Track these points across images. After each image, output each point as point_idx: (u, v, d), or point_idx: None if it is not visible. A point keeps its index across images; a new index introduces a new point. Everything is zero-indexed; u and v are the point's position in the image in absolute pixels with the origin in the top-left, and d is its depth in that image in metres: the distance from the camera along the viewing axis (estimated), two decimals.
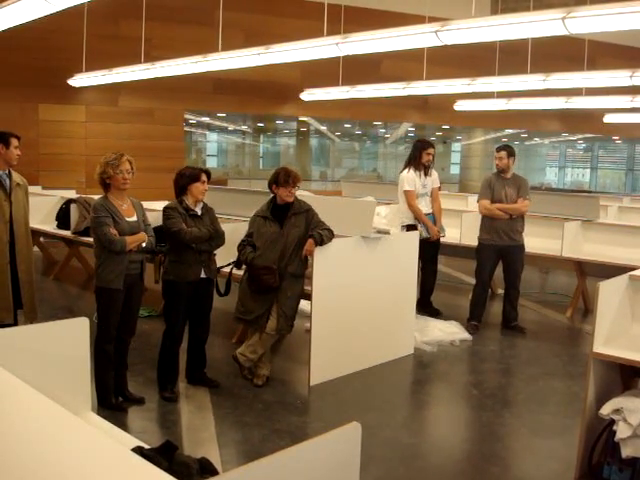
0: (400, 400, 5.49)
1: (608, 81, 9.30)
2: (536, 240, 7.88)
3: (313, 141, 20.09)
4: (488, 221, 7.09)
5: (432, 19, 6.83)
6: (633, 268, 4.57)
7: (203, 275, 5.09)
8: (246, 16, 12.69)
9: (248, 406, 4.95)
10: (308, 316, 5.62)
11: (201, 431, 4.52)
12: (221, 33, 8.19)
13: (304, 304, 5.79)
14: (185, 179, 5.08)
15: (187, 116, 14.86)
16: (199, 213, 5.11)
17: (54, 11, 5.95)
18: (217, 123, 18.25)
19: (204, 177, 5.09)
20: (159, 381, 5.13)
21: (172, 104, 13.23)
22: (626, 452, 3.57)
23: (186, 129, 15.19)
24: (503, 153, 7.03)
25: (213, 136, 19.18)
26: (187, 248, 4.99)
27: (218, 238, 5.16)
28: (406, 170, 7.52)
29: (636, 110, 12.87)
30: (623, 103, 11.64)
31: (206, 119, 17.42)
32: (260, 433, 4.50)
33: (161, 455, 2.47)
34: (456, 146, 21.14)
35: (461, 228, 8.39)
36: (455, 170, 20.61)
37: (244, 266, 5.36)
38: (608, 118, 14.37)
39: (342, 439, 2.03)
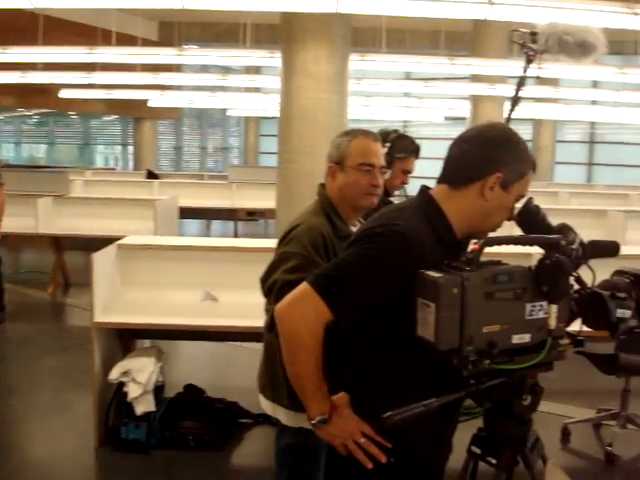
0: None
1: (65, 57, 9.38)
2: (9, 219, 7.60)
3: None
4: None
5: None
6: (109, 239, 4.78)
7: None
8: None
9: None
10: None
11: None
12: None
13: None
14: None
15: None
16: None
17: None
18: None
19: None
20: None
21: None
22: (140, 409, 3.82)
23: None
24: None
25: None
26: None
27: None
28: None
29: (92, 86, 13.26)
30: (79, 79, 11.88)
31: None
32: None
33: None
34: None
35: None
36: None
37: None
38: (64, 93, 14.47)
39: None
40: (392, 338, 1.77)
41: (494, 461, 1.83)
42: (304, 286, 1.76)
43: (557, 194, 10.67)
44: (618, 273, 1.99)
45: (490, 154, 1.78)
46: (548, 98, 13.91)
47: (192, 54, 10.30)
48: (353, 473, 1.83)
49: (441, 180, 1.87)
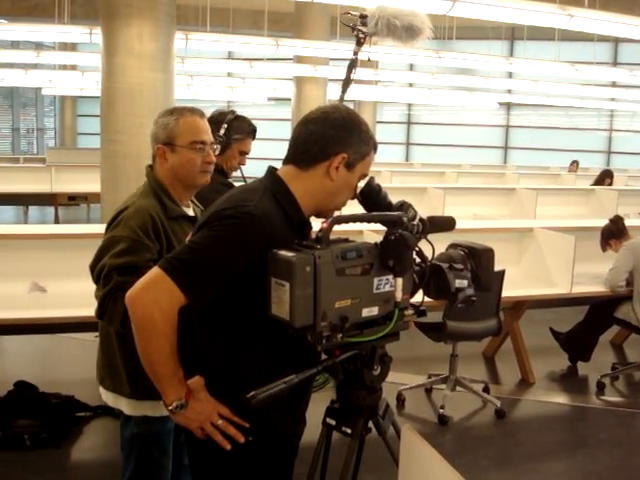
0: None
1: None
2: None
3: None
4: None
5: None
6: None
7: None
8: None
9: None
10: None
11: None
12: None
13: None
14: None
15: None
16: None
17: None
18: None
19: None
20: None
21: None
22: None
23: None
24: None
25: None
26: None
27: None
28: None
29: None
30: None
31: None
32: None
33: None
34: None
35: None
36: None
37: None
38: None
39: None
40: (246, 319, 1.78)
41: (349, 431, 1.90)
42: (156, 270, 1.72)
43: (380, 173, 11.10)
44: (453, 246, 2.11)
45: (335, 135, 1.82)
46: (368, 80, 14.39)
47: (3, 29, 9.55)
48: (213, 456, 1.82)
49: (287, 161, 1.89)
